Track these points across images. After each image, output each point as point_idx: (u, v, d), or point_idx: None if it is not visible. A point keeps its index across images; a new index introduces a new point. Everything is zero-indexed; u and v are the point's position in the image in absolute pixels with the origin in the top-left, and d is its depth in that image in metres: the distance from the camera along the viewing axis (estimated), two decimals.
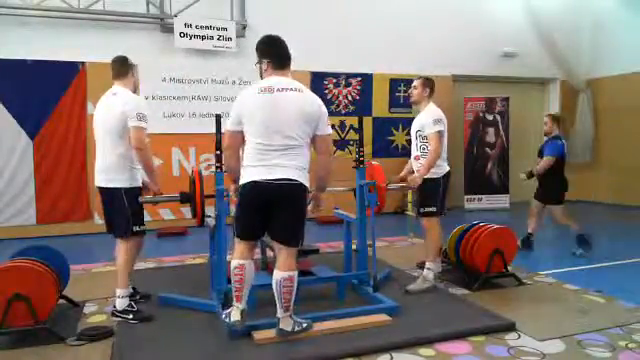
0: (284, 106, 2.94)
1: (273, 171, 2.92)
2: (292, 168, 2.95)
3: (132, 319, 3.43)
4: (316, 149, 3.12)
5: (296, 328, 3.05)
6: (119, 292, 3.49)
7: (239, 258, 3.02)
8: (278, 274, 3.00)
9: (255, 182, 2.93)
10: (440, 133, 3.92)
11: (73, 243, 6.17)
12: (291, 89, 2.99)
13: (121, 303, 3.48)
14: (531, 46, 9.23)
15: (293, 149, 2.96)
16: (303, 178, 3.00)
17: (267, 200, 2.96)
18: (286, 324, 3.03)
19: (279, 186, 2.91)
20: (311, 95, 3.08)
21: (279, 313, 3.03)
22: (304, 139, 3.01)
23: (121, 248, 3.53)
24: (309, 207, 3.23)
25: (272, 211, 2.98)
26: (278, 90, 2.95)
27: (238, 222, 3.07)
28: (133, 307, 3.50)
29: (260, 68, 3.13)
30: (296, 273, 3.03)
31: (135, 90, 3.65)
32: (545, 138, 5.64)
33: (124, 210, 3.47)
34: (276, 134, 2.92)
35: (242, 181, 3.01)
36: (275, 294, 3.03)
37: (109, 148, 3.47)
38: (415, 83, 4.13)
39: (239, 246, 3.06)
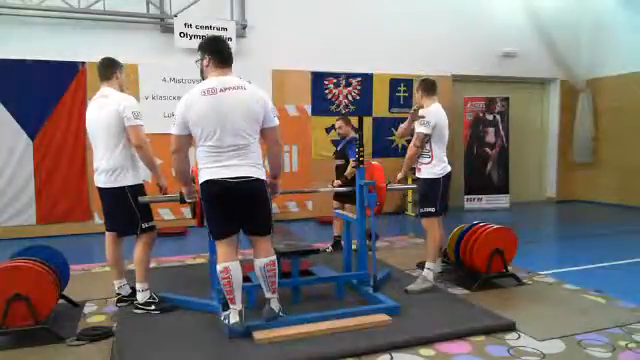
0: (230, 106, 2.93)
1: (230, 170, 2.94)
2: (246, 166, 2.98)
3: (154, 310, 3.56)
4: (265, 141, 3.15)
5: (281, 311, 3.20)
6: (139, 286, 3.60)
7: (223, 261, 3.02)
8: (261, 261, 3.10)
9: (213, 180, 2.95)
10: (419, 134, 3.96)
11: (73, 243, 6.17)
12: (235, 87, 2.97)
13: (142, 296, 3.60)
14: (531, 46, 9.23)
15: (244, 148, 2.98)
16: (258, 173, 3.03)
17: (230, 196, 2.96)
18: (275, 305, 3.17)
19: (237, 184, 2.94)
20: (256, 90, 3.07)
21: (268, 295, 3.17)
22: (254, 136, 3.03)
23: (137, 245, 3.63)
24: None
25: (238, 207, 3.00)
26: (221, 90, 2.94)
27: (211, 224, 3.08)
28: (154, 298, 3.62)
29: (201, 64, 3.13)
30: (275, 257, 3.16)
31: (122, 90, 3.67)
32: (342, 141, 5.50)
33: (131, 208, 3.53)
34: (225, 135, 2.92)
35: (200, 182, 3.03)
36: (260, 279, 3.15)
37: (110, 149, 3.51)
38: (414, 90, 4.23)
39: (220, 249, 3.05)
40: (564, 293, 4.05)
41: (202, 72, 3.14)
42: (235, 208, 3.00)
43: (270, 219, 3.17)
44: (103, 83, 3.65)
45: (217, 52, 3.07)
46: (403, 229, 7.15)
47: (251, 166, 3.00)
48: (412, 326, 3.25)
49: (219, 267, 3.01)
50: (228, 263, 3.00)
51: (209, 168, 2.97)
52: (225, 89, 2.95)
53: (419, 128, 3.97)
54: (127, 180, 3.53)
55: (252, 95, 3.02)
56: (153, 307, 3.58)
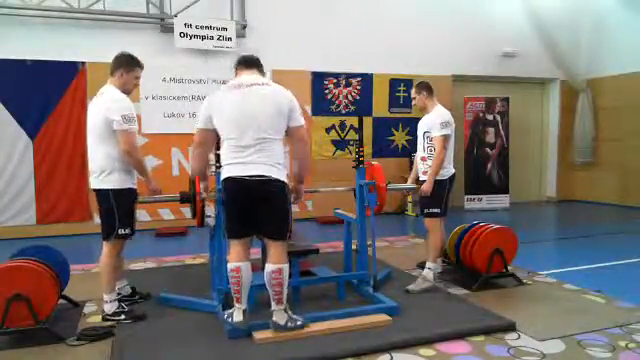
0: (254, 101, 2.96)
1: (247, 168, 2.94)
2: (266, 165, 2.96)
3: (125, 319, 3.41)
4: (291, 140, 3.14)
5: (289, 324, 3.08)
6: (106, 297, 3.44)
7: (235, 260, 3.02)
8: (268, 267, 3.06)
9: (232, 178, 2.96)
10: (446, 137, 3.96)
11: (73, 243, 6.17)
12: (260, 84, 3.03)
13: (110, 307, 3.44)
14: (531, 46, 9.23)
15: (266, 144, 2.96)
16: (278, 174, 3.00)
17: (246, 195, 2.96)
18: (279, 317, 3.08)
19: (254, 182, 2.93)
20: (281, 88, 3.10)
21: (272, 306, 3.09)
22: (277, 134, 3.02)
23: (104, 252, 3.47)
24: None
25: (253, 208, 3.00)
26: (247, 86, 3.00)
27: (226, 222, 3.09)
28: (124, 308, 3.49)
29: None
30: (286, 266, 3.06)
31: (128, 91, 3.54)
32: None
33: (112, 212, 3.39)
34: (248, 130, 2.93)
35: (221, 178, 3.05)
36: (267, 287, 3.08)
37: (95, 150, 3.41)
38: (412, 94, 4.22)
39: (233, 248, 3.06)
40: (564, 293, 4.04)
41: None
42: (250, 208, 2.99)
43: (287, 224, 3.07)
44: (109, 78, 3.54)
45: (243, 59, 3.19)
46: (403, 229, 7.15)
47: (270, 165, 2.97)
48: (412, 326, 3.25)
49: (230, 266, 3.02)
50: (240, 263, 3.01)
51: (229, 165, 2.98)
52: (251, 84, 3.00)
53: (441, 131, 3.94)
54: (111, 183, 3.36)
55: (277, 91, 3.06)
56: (123, 317, 3.41)
